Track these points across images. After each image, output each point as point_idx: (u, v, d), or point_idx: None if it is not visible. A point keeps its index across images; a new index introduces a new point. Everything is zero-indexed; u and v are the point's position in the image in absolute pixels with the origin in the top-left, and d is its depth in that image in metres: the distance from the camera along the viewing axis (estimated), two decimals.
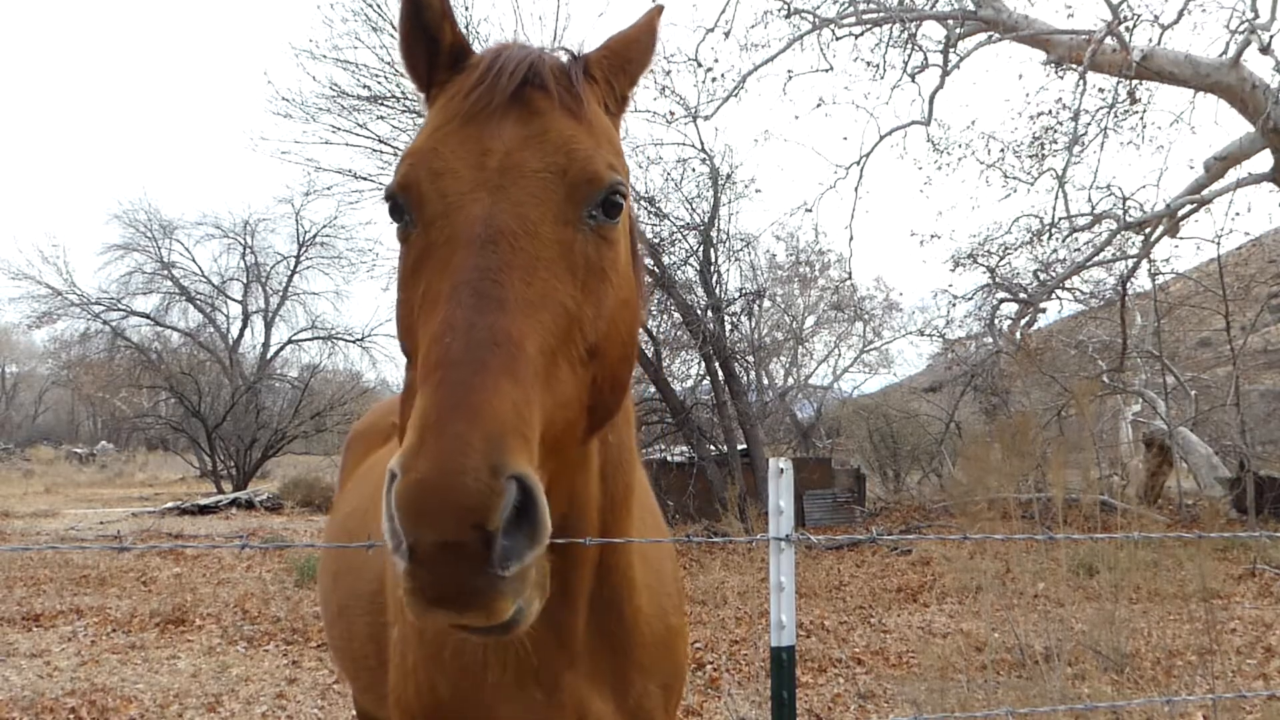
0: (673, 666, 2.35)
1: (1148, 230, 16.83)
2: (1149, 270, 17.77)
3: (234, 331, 37.33)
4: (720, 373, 18.29)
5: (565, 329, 1.50)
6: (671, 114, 17.03)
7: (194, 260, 36.89)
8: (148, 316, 34.54)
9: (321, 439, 33.88)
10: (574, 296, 1.53)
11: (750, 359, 24.21)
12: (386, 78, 18.88)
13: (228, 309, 37.58)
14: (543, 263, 1.50)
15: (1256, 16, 14.45)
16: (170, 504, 23.00)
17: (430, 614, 1.26)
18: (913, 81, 17.10)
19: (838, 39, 16.62)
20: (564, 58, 1.79)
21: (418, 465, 1.20)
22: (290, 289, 37.36)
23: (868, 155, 17.02)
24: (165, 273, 35.44)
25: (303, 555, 12.01)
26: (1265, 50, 14.16)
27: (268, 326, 37.51)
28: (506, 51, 1.71)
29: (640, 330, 1.94)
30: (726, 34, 16.22)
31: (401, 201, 1.61)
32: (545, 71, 1.68)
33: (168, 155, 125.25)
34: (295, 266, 36.91)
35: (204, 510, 22.31)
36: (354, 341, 36.46)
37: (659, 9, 2.02)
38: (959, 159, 19.33)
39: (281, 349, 37.58)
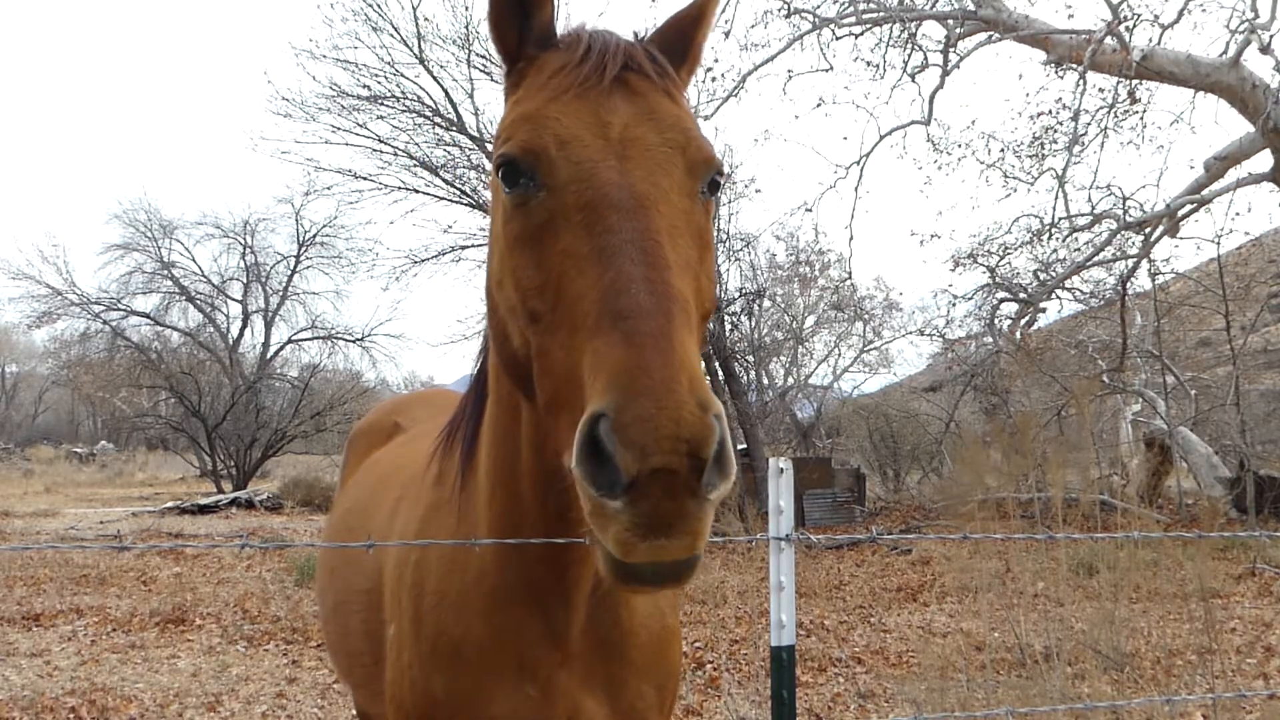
0: (667, 667, 2.35)
1: (1148, 230, 16.82)
2: (1149, 270, 17.76)
3: (234, 331, 37.35)
4: (720, 372, 18.31)
5: (696, 291, 1.58)
6: None
7: (194, 260, 36.89)
8: (148, 316, 34.55)
9: (321, 439, 33.88)
10: (697, 263, 1.63)
11: (750, 359, 24.24)
12: (386, 77, 18.93)
13: (228, 309, 37.60)
14: (678, 230, 1.58)
15: (1256, 16, 14.44)
16: (170, 503, 22.99)
17: (645, 545, 1.30)
18: (913, 81, 17.09)
19: (838, 39, 16.61)
20: (633, 38, 1.85)
21: (640, 404, 1.27)
22: (290, 289, 37.35)
23: (868, 155, 17.01)
24: (165, 272, 35.41)
25: (303, 555, 12.01)
26: (1265, 50, 14.14)
27: (268, 326, 37.51)
28: (595, 34, 1.77)
29: None
30: (726, 34, 16.20)
31: (525, 165, 1.62)
32: (641, 58, 1.75)
33: (168, 155, 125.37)
34: (295, 266, 36.90)
35: (204, 510, 22.30)
36: (354, 341, 36.49)
37: None
38: (959, 159, 19.32)
39: (281, 349, 37.59)
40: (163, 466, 38.94)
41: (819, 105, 17.52)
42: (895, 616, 10.04)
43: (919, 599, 10.96)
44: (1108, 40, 14.47)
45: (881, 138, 17.29)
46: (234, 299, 37.37)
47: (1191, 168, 17.01)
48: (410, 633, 2.23)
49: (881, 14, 16.20)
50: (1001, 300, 19.70)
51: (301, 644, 8.99)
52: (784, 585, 2.84)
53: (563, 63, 1.71)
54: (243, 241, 36.60)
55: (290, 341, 37.60)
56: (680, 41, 1.90)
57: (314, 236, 36.09)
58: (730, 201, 20.21)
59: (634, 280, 1.42)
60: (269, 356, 36.88)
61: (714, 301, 1.74)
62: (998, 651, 7.85)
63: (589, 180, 1.55)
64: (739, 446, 18.38)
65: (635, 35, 1.85)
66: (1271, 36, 14.17)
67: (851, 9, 16.23)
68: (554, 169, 1.59)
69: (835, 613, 10.21)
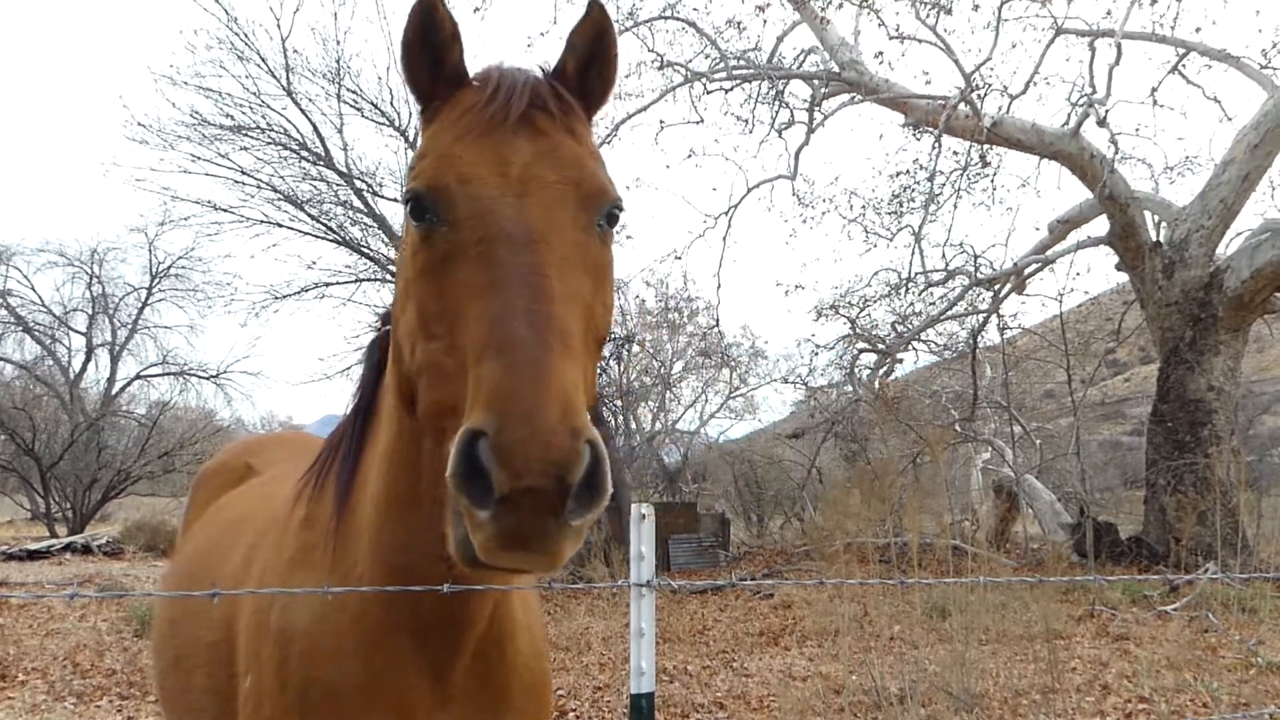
0: (544, 711, 2.35)
1: (997, 287, 17.73)
2: (998, 325, 18.72)
3: (76, 365, 35.38)
4: None
5: (587, 321, 1.67)
6: None
7: (33, 289, 34.94)
8: None
9: (169, 479, 32.19)
10: (590, 292, 1.71)
11: (618, 403, 24.27)
12: (252, 108, 18.37)
13: (70, 341, 35.64)
14: (569, 262, 1.66)
15: (1095, 92, 15.52)
16: None
17: (506, 555, 1.40)
18: (780, 137, 17.71)
19: (709, 93, 17.06)
20: (541, 76, 1.89)
21: (515, 429, 1.37)
22: (140, 322, 35.67)
23: (736, 206, 17.48)
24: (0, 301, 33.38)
25: (144, 603, 11.29)
26: (1102, 123, 15.20)
27: (114, 360, 35.67)
28: (505, 74, 1.84)
29: None
30: None
31: (429, 201, 1.71)
32: (546, 95, 1.83)
33: (6, 177, 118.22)
34: (147, 299, 35.31)
35: (34, 555, 20.80)
36: (208, 378, 35.05)
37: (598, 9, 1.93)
38: (823, 213, 20.05)
39: (129, 384, 35.82)
40: None
41: (690, 156, 17.95)
42: (757, 661, 10.11)
43: (780, 643, 11.08)
44: (961, 106, 15.28)
45: (750, 190, 17.81)
46: (78, 331, 35.51)
47: (1037, 229, 18.12)
48: (273, 683, 2.11)
49: (751, 71, 16.71)
50: (861, 350, 20.38)
51: (139, 699, 8.43)
52: (644, 632, 2.81)
53: (473, 101, 1.79)
54: (89, 271, 34.90)
55: (139, 377, 35.92)
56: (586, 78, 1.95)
57: (168, 268, 34.70)
58: None
59: (517, 312, 1.51)
60: (114, 393, 35.05)
61: (609, 327, 1.82)
62: (855, 694, 7.98)
63: (484, 216, 1.65)
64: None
65: (543, 71, 1.90)
66: (1107, 111, 15.24)
67: (722, 65, 16.69)
68: (454, 205, 1.68)
69: (699, 658, 10.22)
